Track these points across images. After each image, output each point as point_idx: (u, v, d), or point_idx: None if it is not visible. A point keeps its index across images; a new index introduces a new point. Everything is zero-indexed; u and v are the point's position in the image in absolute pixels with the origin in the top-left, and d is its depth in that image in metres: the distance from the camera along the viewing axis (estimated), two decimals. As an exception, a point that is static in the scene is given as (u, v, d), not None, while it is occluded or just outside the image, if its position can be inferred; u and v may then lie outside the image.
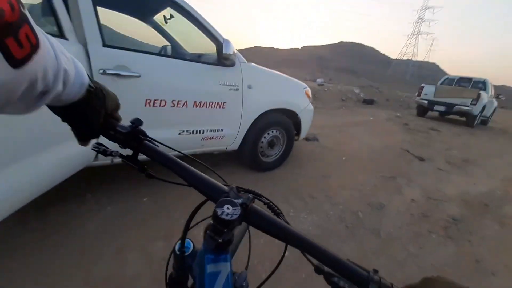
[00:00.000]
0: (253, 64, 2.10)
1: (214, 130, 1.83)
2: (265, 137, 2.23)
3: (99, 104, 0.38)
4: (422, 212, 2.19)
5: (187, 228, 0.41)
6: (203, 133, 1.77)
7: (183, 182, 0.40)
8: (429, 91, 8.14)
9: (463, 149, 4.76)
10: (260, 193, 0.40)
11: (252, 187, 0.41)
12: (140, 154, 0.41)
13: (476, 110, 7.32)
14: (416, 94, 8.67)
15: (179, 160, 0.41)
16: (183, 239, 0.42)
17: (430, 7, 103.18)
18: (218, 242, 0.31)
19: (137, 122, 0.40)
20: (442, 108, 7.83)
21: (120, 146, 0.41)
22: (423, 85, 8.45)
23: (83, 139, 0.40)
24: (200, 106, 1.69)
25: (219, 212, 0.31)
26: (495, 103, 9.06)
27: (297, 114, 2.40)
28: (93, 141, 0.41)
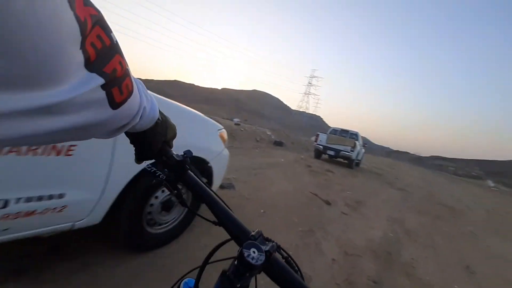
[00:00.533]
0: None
1: (40, 198, 0.90)
2: (157, 197, 1.44)
3: (162, 133, 0.42)
4: (346, 278, 1.87)
5: (203, 267, 0.38)
6: (5, 206, 0.83)
7: (210, 218, 0.41)
8: (323, 138, 9.54)
9: (352, 190, 5.35)
10: (280, 245, 0.38)
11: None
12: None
13: (354, 155, 8.99)
14: (314, 140, 9.98)
15: (216, 197, 0.41)
16: (198, 279, 0.38)
17: (315, 76, 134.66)
18: (235, 287, 0.29)
19: (188, 154, 0.43)
20: (332, 153, 9.22)
21: (165, 171, 0.42)
22: (318, 133, 9.86)
23: (140, 159, 0.43)
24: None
25: (245, 254, 0.29)
26: (363, 150, 11.57)
27: (208, 162, 1.77)
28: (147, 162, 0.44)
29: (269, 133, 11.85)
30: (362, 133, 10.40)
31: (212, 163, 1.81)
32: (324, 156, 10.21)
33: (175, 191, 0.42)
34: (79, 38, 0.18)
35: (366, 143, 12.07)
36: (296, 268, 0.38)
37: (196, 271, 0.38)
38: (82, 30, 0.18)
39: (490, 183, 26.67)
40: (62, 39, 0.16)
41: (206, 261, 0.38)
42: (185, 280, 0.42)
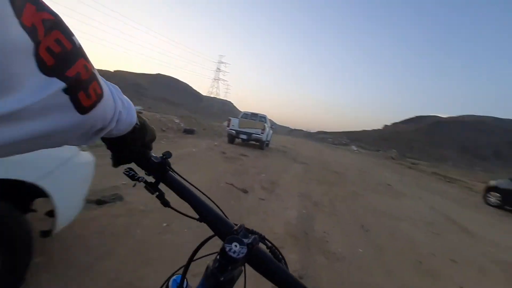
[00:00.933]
0: None
1: None
2: None
3: (140, 137, 0.40)
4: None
5: (189, 264, 0.37)
6: None
7: (194, 216, 0.41)
8: (235, 122, 9.38)
9: (266, 171, 5.44)
10: (264, 236, 0.38)
11: None
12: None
13: (264, 137, 9.39)
14: (226, 125, 9.68)
15: (196, 194, 0.42)
16: (184, 275, 0.38)
17: (223, 62, 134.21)
18: (219, 281, 0.29)
19: (167, 155, 0.43)
20: (245, 137, 9.26)
21: (145, 173, 0.42)
22: (230, 118, 9.60)
23: (117, 164, 0.41)
24: None
25: (227, 248, 0.29)
26: (271, 131, 12.40)
27: (37, 185, 0.94)
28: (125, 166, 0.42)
29: (177, 120, 10.56)
30: (268, 115, 11.00)
31: (46, 184, 0.98)
32: (238, 140, 10.20)
33: (157, 193, 0.41)
34: (31, 45, 0.18)
35: (273, 124, 12.99)
36: (280, 256, 0.38)
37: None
38: (33, 37, 0.18)
39: (354, 148, 35.92)
40: (8, 48, 0.16)
41: (191, 259, 0.38)
42: (174, 277, 0.41)
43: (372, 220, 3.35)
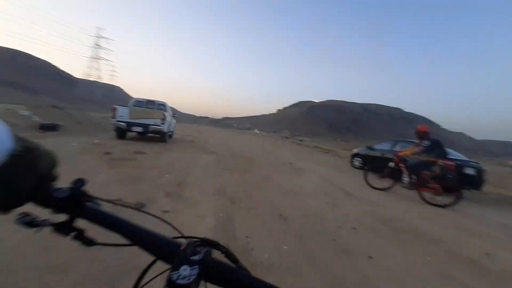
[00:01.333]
0: None
1: None
2: None
3: (29, 168, 0.30)
4: None
5: None
6: None
7: (128, 243, 0.33)
8: (123, 112, 7.42)
9: (171, 169, 4.52)
10: (217, 242, 0.34)
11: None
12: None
13: (165, 128, 8.03)
14: (111, 116, 7.51)
15: (124, 218, 0.34)
16: None
17: (103, 37, 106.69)
18: None
19: (79, 184, 0.33)
20: (140, 129, 7.55)
21: (52, 212, 0.32)
22: (115, 106, 7.48)
23: (5, 209, 0.29)
24: None
25: (174, 277, 0.25)
26: (174, 121, 10.94)
27: None
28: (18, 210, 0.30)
29: (26, 113, 7.15)
30: (168, 102, 9.52)
31: None
32: (132, 134, 8.26)
33: (74, 232, 0.32)
34: None
35: (176, 113, 11.50)
36: (236, 258, 0.35)
37: None
38: None
39: (257, 131, 39.17)
40: None
41: None
42: None
43: (286, 204, 3.34)
